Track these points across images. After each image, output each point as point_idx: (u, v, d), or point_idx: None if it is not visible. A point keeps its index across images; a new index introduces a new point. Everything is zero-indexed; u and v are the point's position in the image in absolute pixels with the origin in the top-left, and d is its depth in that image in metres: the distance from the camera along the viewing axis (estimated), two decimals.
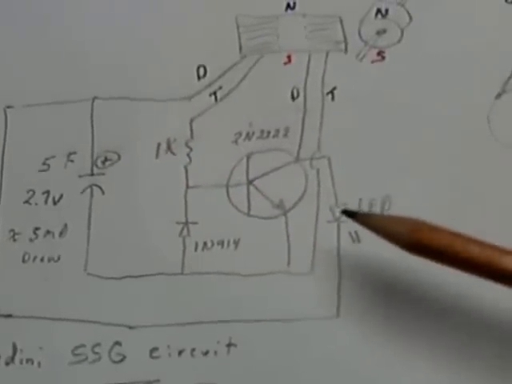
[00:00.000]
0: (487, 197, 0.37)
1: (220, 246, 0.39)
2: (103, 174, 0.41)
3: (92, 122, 0.42)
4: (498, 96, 0.38)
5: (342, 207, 0.37)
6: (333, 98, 0.40)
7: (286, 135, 0.40)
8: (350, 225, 0.36)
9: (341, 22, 0.41)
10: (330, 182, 0.38)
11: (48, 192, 0.41)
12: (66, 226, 0.40)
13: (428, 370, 0.35)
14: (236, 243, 0.38)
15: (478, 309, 0.35)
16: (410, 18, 0.40)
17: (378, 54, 0.40)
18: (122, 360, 0.38)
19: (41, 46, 0.44)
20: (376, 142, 0.39)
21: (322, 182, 0.39)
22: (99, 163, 0.41)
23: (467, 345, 0.35)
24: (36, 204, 0.41)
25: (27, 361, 0.39)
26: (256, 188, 0.39)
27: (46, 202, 0.41)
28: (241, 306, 0.38)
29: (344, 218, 0.37)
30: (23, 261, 0.40)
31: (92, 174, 0.41)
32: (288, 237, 0.38)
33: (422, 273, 0.36)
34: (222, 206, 0.39)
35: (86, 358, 0.38)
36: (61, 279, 0.40)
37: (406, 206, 0.37)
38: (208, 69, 0.42)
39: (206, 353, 0.37)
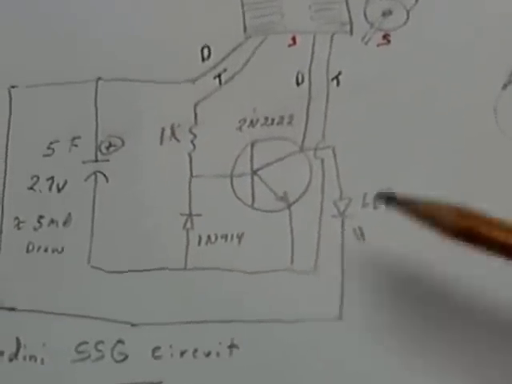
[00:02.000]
0: (493, 188, 0.36)
1: (223, 240, 0.38)
2: (107, 161, 0.41)
3: (96, 103, 0.42)
4: (505, 87, 0.37)
5: (377, 191, 0.36)
6: (338, 84, 0.39)
7: (290, 123, 0.39)
8: (355, 220, 0.36)
9: (346, 1, 0.40)
10: (335, 173, 0.38)
11: (52, 178, 0.41)
12: (69, 214, 0.40)
13: (432, 372, 0.35)
14: (239, 238, 0.38)
15: (482, 310, 0.35)
16: None
17: (384, 37, 0.39)
18: (124, 359, 0.38)
19: (45, 26, 0.43)
20: (380, 130, 0.38)
21: (327, 173, 0.38)
22: (103, 148, 0.41)
23: (473, 347, 0.35)
24: (40, 191, 0.41)
25: (30, 358, 0.39)
26: (260, 178, 0.39)
27: (50, 188, 0.41)
28: (243, 305, 0.37)
29: (348, 212, 0.37)
30: (27, 251, 0.40)
31: (96, 160, 0.41)
32: (292, 232, 0.38)
33: (427, 272, 0.35)
34: (226, 198, 0.39)
35: (89, 356, 0.38)
36: (64, 272, 0.40)
37: None
38: (212, 50, 0.41)
39: (208, 354, 0.37)
